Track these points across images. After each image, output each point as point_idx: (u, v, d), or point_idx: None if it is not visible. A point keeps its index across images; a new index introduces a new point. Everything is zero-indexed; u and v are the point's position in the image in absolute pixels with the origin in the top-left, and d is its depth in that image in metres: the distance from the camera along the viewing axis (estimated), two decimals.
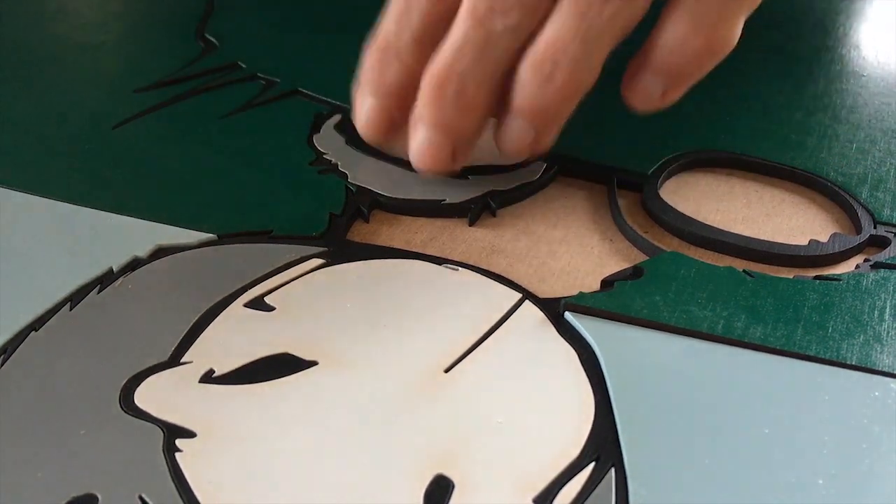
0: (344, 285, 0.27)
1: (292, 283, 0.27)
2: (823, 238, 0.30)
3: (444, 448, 0.22)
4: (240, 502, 0.20)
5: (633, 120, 0.37)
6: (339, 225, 0.29)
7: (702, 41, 0.28)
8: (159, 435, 0.22)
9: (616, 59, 0.42)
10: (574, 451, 0.22)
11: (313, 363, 0.24)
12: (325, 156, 0.33)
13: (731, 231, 0.30)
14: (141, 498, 0.20)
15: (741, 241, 0.29)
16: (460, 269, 0.28)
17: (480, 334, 0.25)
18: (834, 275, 0.28)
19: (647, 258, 0.29)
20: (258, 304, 0.26)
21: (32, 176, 0.31)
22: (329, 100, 0.36)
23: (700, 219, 0.30)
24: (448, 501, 0.21)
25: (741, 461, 0.22)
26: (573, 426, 0.22)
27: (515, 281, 0.27)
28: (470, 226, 0.30)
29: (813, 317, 0.26)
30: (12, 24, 0.43)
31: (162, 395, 0.23)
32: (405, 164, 0.33)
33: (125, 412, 0.22)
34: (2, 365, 0.23)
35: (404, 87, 0.28)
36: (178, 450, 0.21)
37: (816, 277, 0.28)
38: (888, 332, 0.25)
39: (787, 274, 0.28)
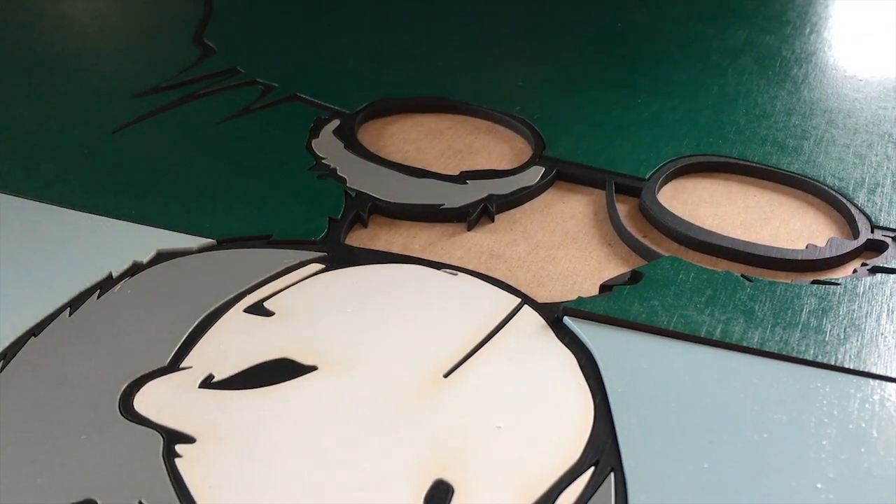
0: (343, 290, 0.27)
1: (291, 287, 0.27)
2: (821, 242, 0.30)
3: (443, 452, 0.22)
4: None
5: (630, 125, 0.37)
6: (338, 230, 0.29)
7: None
8: (159, 440, 0.22)
9: (614, 65, 0.42)
10: (573, 456, 0.22)
11: (312, 368, 0.24)
12: (323, 161, 0.33)
13: (729, 235, 0.30)
14: (141, 503, 0.20)
15: (739, 246, 0.29)
16: (459, 273, 0.28)
17: (479, 339, 0.25)
18: (831, 279, 0.28)
19: (646, 263, 0.29)
20: (257, 309, 0.26)
21: (32, 181, 0.31)
22: (328, 105, 0.37)
23: (698, 223, 0.30)
24: None
25: (739, 465, 0.22)
26: (572, 431, 0.23)
27: (514, 286, 0.27)
28: (469, 230, 0.30)
29: (811, 321, 0.26)
30: (12, 31, 0.43)
31: (161, 400, 0.23)
32: (404, 168, 0.33)
33: (125, 417, 0.22)
34: (1, 370, 0.23)
35: None
36: (178, 455, 0.21)
37: (814, 281, 0.28)
38: (886, 336, 0.25)
39: (785, 278, 0.28)
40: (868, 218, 0.31)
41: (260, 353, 0.24)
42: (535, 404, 0.23)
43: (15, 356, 0.24)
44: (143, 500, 0.20)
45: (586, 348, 0.25)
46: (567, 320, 0.26)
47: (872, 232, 0.30)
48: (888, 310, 0.27)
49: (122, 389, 0.23)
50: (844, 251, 0.29)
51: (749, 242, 0.30)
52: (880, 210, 0.31)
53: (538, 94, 0.39)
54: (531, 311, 0.26)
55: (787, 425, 0.23)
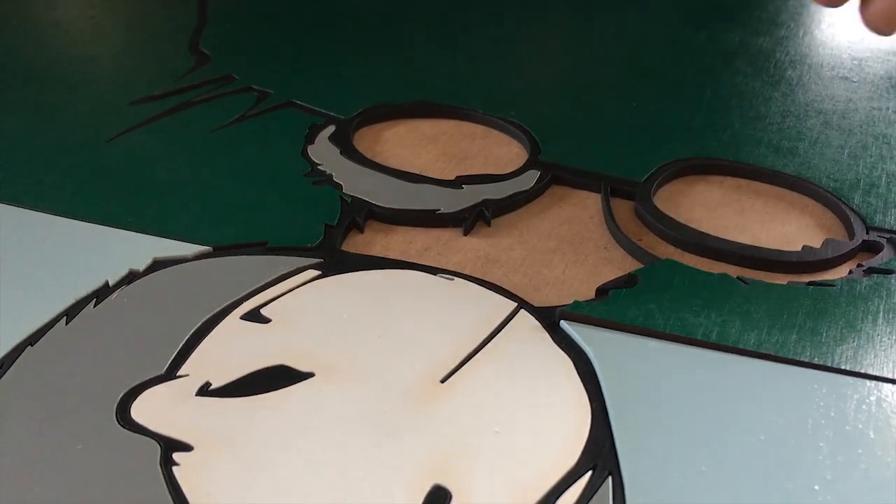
0: (339, 296, 0.27)
1: (288, 294, 0.27)
2: (817, 244, 0.30)
3: (441, 458, 0.22)
4: None
5: (625, 128, 0.37)
6: (334, 235, 0.29)
7: None
8: (156, 448, 0.22)
9: (608, 68, 0.42)
10: (571, 460, 0.22)
11: (309, 374, 0.24)
12: (319, 167, 0.33)
13: (725, 238, 0.30)
14: None
15: (735, 248, 0.29)
16: (455, 278, 0.28)
17: (476, 344, 0.25)
18: (827, 280, 0.28)
19: (642, 266, 0.29)
20: (254, 316, 0.26)
21: (27, 190, 0.31)
22: (323, 111, 0.37)
23: (693, 226, 0.31)
24: None
25: (737, 468, 0.22)
26: (570, 434, 0.23)
27: (511, 290, 0.28)
28: (465, 235, 0.30)
29: (807, 323, 0.26)
30: (7, 39, 0.43)
31: (158, 408, 0.23)
32: (400, 174, 0.33)
33: (122, 426, 0.22)
34: None
35: None
36: (175, 463, 0.21)
37: (810, 283, 0.28)
38: (882, 337, 0.26)
39: (781, 280, 0.28)
40: (863, 219, 0.31)
41: (257, 360, 0.24)
42: (532, 408, 0.23)
43: (11, 366, 0.24)
44: None
45: (583, 352, 0.25)
46: (564, 324, 0.26)
47: (868, 233, 0.30)
48: (884, 311, 0.27)
49: (119, 398, 0.23)
50: (840, 252, 0.29)
51: (745, 245, 0.30)
52: (876, 211, 0.32)
53: (533, 98, 0.39)
54: (528, 315, 0.26)
55: (784, 427, 0.23)
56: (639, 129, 0.37)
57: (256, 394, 0.23)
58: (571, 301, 0.27)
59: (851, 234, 0.31)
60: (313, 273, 0.28)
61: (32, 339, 0.25)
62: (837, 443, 0.22)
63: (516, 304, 0.27)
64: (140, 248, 0.28)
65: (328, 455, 0.22)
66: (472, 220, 0.31)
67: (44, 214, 0.30)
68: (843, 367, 0.24)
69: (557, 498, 0.21)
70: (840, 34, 0.46)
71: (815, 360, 0.25)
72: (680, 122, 0.37)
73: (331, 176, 0.32)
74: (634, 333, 0.26)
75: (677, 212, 0.31)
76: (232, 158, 0.33)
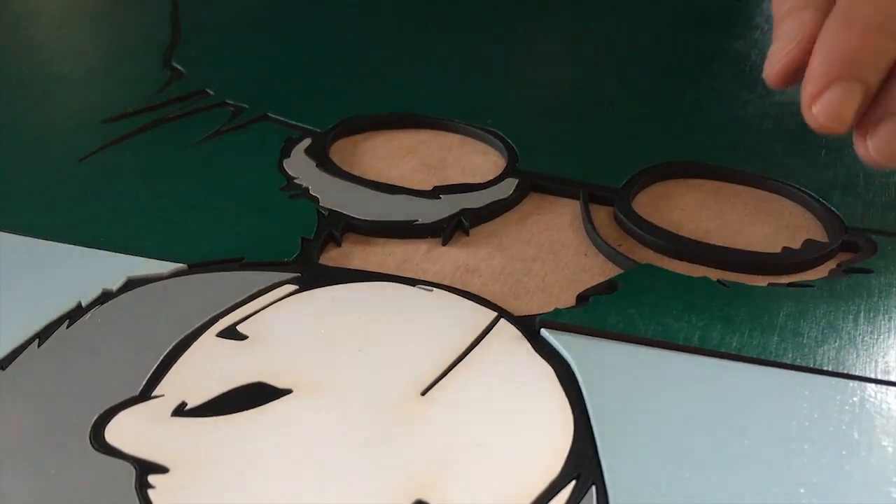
0: (317, 311, 0.26)
1: (265, 310, 0.26)
2: (796, 245, 0.30)
3: (422, 473, 0.21)
4: None
5: (603, 134, 0.37)
6: (311, 249, 0.29)
7: None
8: (131, 471, 0.21)
9: (585, 74, 0.42)
10: (554, 470, 0.22)
11: (287, 391, 0.24)
12: (295, 180, 0.33)
13: (705, 241, 0.30)
14: None
15: (715, 251, 0.29)
16: (434, 289, 0.28)
17: (456, 355, 0.25)
18: (808, 281, 0.28)
19: (622, 272, 0.29)
20: (230, 333, 0.25)
21: None
22: (298, 124, 0.36)
23: (673, 230, 0.30)
24: None
25: (721, 473, 0.21)
26: (553, 444, 0.22)
27: (490, 299, 0.27)
28: (443, 245, 0.30)
29: (788, 324, 0.26)
30: None
31: (133, 430, 0.22)
32: (377, 185, 0.33)
33: (96, 450, 0.22)
34: None
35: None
36: (151, 486, 0.21)
37: (790, 285, 0.28)
38: (863, 337, 0.25)
39: (762, 282, 0.28)
40: (841, 219, 0.31)
41: (234, 378, 0.24)
42: (514, 419, 0.23)
43: None
44: None
45: (564, 360, 0.25)
46: (544, 332, 0.26)
47: (847, 232, 0.30)
48: (865, 310, 0.27)
49: (93, 421, 0.23)
50: (820, 253, 0.29)
51: (724, 247, 0.30)
52: (854, 211, 0.32)
53: (510, 107, 0.39)
54: (508, 324, 0.26)
55: (768, 430, 0.23)
56: (616, 135, 0.37)
57: (233, 412, 0.23)
58: (552, 309, 0.27)
59: (831, 235, 0.31)
60: (290, 288, 0.27)
61: (3, 363, 0.24)
62: (822, 445, 0.22)
63: (496, 314, 0.27)
64: (113, 268, 0.28)
65: (308, 472, 0.21)
66: (450, 230, 0.30)
67: (14, 236, 0.29)
68: (825, 369, 0.24)
69: None
70: None
71: (798, 362, 0.25)
72: (658, 126, 0.37)
73: (307, 189, 0.32)
74: (615, 339, 0.25)
75: (656, 216, 0.31)
76: (207, 174, 0.33)
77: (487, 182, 0.33)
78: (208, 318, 0.26)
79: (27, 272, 0.28)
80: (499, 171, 0.34)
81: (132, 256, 0.28)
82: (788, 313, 0.26)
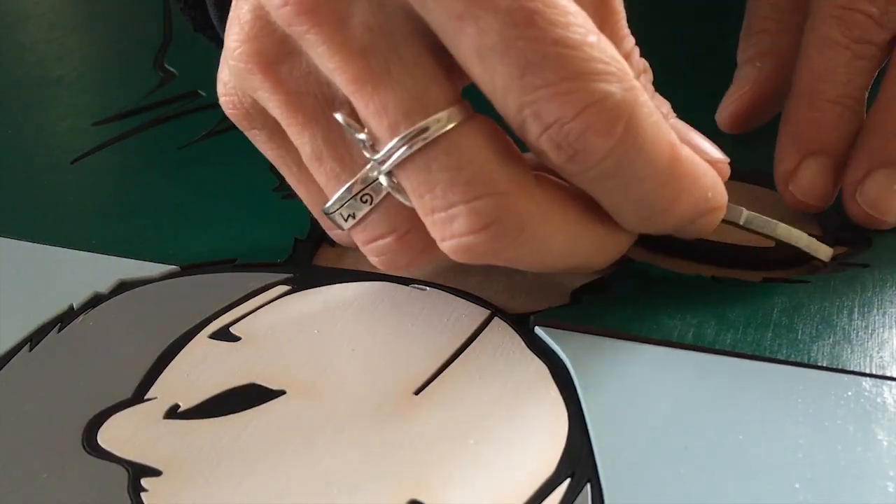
0: (310, 311, 0.26)
1: (258, 311, 0.26)
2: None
3: (417, 472, 0.21)
4: None
5: None
6: (304, 250, 0.29)
7: None
8: (124, 474, 0.21)
9: None
10: (549, 469, 0.22)
11: (281, 392, 0.23)
12: None
13: (698, 238, 0.30)
14: None
15: (708, 248, 0.29)
16: (428, 288, 0.27)
17: (450, 354, 0.25)
18: (801, 277, 0.28)
19: (615, 269, 0.28)
20: (223, 334, 0.25)
21: None
22: None
23: None
24: None
25: (717, 469, 0.21)
26: (547, 443, 0.22)
27: (484, 298, 0.27)
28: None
29: (782, 320, 0.26)
30: None
31: (126, 433, 0.22)
32: None
33: (88, 453, 0.22)
34: None
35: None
36: (144, 489, 0.21)
37: (784, 280, 0.28)
38: (857, 332, 0.25)
39: (756, 278, 0.28)
40: (837, 213, 0.31)
41: (226, 380, 0.24)
42: (508, 417, 0.23)
43: None
44: None
45: (559, 358, 0.25)
46: (538, 330, 0.26)
47: (841, 227, 0.30)
48: (859, 305, 0.26)
49: (86, 424, 0.22)
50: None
51: (718, 243, 0.29)
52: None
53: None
54: (502, 322, 0.26)
55: (763, 426, 0.22)
56: None
57: (226, 414, 0.23)
58: (546, 307, 0.26)
59: (825, 229, 0.30)
60: (283, 288, 0.27)
61: None
62: (817, 440, 0.22)
63: (490, 312, 0.27)
64: (105, 270, 0.28)
65: (301, 473, 0.21)
66: None
67: (5, 239, 0.29)
68: (819, 364, 0.24)
69: None
70: None
71: (792, 358, 0.24)
72: None
73: None
74: (610, 337, 0.25)
75: None
76: (199, 175, 0.33)
77: None
78: (201, 319, 0.26)
79: (18, 275, 0.28)
80: None
81: (124, 259, 0.28)
82: (783, 309, 0.26)
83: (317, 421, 0.23)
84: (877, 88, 0.29)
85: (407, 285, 0.28)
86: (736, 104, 0.33)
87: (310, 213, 0.30)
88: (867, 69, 0.29)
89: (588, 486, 0.21)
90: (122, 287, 0.27)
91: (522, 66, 0.20)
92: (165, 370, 0.24)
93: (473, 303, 0.27)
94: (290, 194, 0.32)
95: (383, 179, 0.22)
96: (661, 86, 0.41)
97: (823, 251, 0.28)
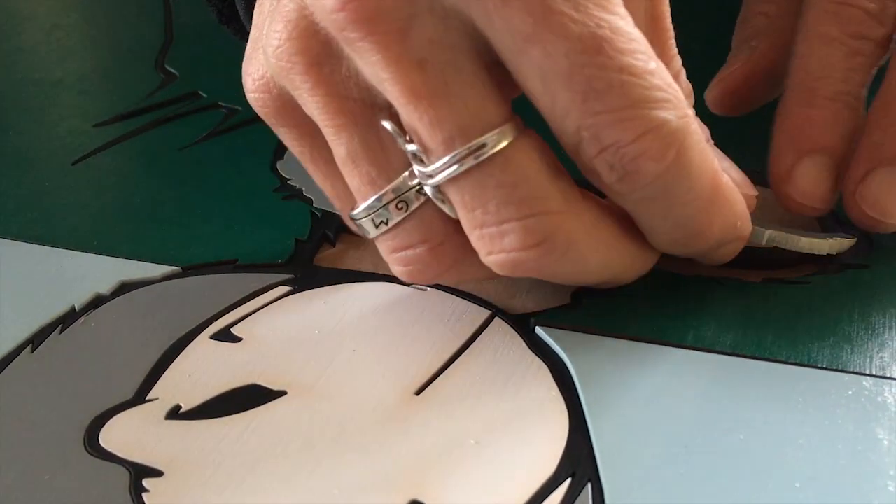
0: (311, 312, 0.26)
1: (259, 312, 0.26)
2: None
3: (417, 473, 0.21)
4: None
5: None
6: (305, 251, 0.29)
7: None
8: (125, 475, 0.21)
9: None
10: (549, 469, 0.22)
11: (282, 393, 0.24)
12: (289, 181, 0.33)
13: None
14: None
15: None
16: (428, 289, 0.28)
17: (451, 354, 0.25)
18: (802, 277, 0.28)
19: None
20: (225, 335, 0.25)
21: None
22: None
23: None
24: None
25: (717, 469, 0.21)
26: (548, 443, 0.22)
27: (485, 298, 0.27)
28: None
29: (783, 321, 0.26)
30: None
31: (127, 434, 0.22)
32: None
33: (90, 454, 0.22)
34: None
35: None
36: (145, 490, 0.21)
37: (785, 281, 0.28)
38: (857, 332, 0.25)
39: (756, 279, 0.28)
40: (836, 215, 0.31)
41: (228, 381, 0.24)
42: (509, 417, 0.23)
43: None
44: None
45: (559, 358, 0.25)
46: (539, 331, 0.26)
47: (841, 228, 0.30)
48: (859, 305, 0.26)
49: (87, 425, 0.22)
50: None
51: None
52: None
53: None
54: (503, 322, 0.26)
55: (763, 426, 0.23)
56: None
57: (228, 415, 0.23)
58: (546, 307, 0.27)
59: (824, 229, 0.30)
60: (284, 289, 0.27)
61: None
62: (817, 439, 0.22)
63: (491, 313, 0.27)
64: (107, 272, 0.28)
65: (302, 474, 0.21)
66: None
67: (6, 241, 0.29)
68: (819, 364, 0.24)
69: None
70: None
71: (792, 359, 0.25)
72: None
73: (301, 190, 0.32)
74: (610, 338, 0.25)
75: None
76: (200, 176, 0.33)
77: None
78: (202, 320, 0.26)
79: (20, 276, 0.28)
80: None
81: (125, 260, 0.28)
82: (783, 310, 0.26)
83: (318, 421, 0.23)
84: (876, 86, 0.29)
85: (408, 286, 0.28)
86: (726, 81, 0.32)
87: (310, 213, 0.31)
88: (865, 65, 0.28)
89: (588, 486, 0.21)
90: (124, 288, 0.27)
91: (586, 91, 0.20)
92: (167, 371, 0.24)
93: (474, 303, 0.27)
94: (291, 195, 0.32)
95: (429, 191, 0.22)
96: None
97: (847, 244, 0.28)
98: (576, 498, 0.21)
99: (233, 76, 0.41)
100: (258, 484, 0.21)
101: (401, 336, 0.26)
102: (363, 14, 0.20)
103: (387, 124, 0.22)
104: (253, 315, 0.26)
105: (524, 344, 0.25)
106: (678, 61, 0.25)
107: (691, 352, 0.25)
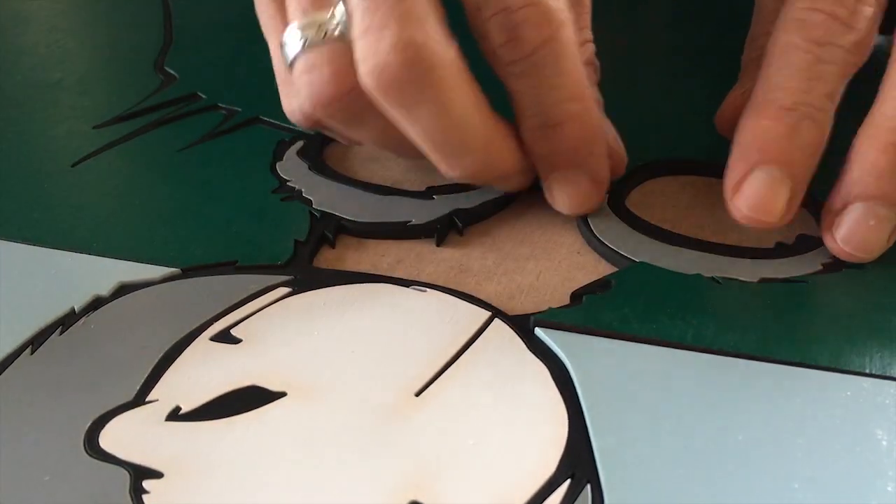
0: (311, 313, 0.26)
1: (258, 313, 0.26)
2: (789, 240, 0.30)
3: (417, 474, 0.21)
4: None
5: None
6: (304, 252, 0.29)
7: None
8: (125, 477, 0.21)
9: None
10: (549, 470, 0.22)
11: (282, 394, 0.24)
12: (288, 183, 0.33)
13: (698, 238, 0.30)
14: None
15: (708, 248, 0.29)
16: (428, 290, 0.28)
17: (450, 355, 0.25)
18: (801, 276, 0.28)
19: (616, 270, 0.29)
20: (224, 336, 0.25)
21: None
22: (291, 126, 0.36)
23: (667, 227, 0.30)
24: None
25: (716, 469, 0.21)
26: (547, 444, 0.22)
27: (484, 299, 0.27)
28: (437, 246, 0.30)
29: (782, 320, 0.26)
30: None
31: (127, 435, 0.22)
32: (370, 186, 0.33)
33: (90, 455, 0.22)
34: None
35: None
36: (146, 491, 0.21)
37: (783, 280, 0.28)
38: (856, 331, 0.25)
39: (755, 278, 0.28)
40: None
41: (228, 382, 0.24)
42: (509, 418, 0.23)
43: None
44: None
45: (559, 358, 0.25)
46: (538, 331, 0.26)
47: None
48: (857, 304, 0.27)
49: (87, 427, 0.22)
50: (813, 248, 0.29)
51: (718, 244, 0.30)
52: None
53: (503, 104, 0.39)
54: (502, 323, 0.26)
55: (762, 426, 0.23)
56: None
57: (228, 416, 0.23)
58: (546, 308, 0.27)
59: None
60: (284, 290, 0.27)
61: None
62: (816, 439, 0.22)
63: (490, 314, 0.27)
64: (106, 273, 0.28)
65: (302, 475, 0.21)
66: (443, 230, 0.30)
67: (6, 242, 0.29)
68: (819, 364, 0.24)
69: None
70: None
71: (791, 358, 0.25)
72: (651, 123, 0.37)
73: (300, 191, 0.32)
74: (610, 338, 0.25)
75: (650, 213, 0.31)
76: (199, 178, 0.33)
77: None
78: (202, 322, 0.26)
79: (19, 278, 0.28)
80: None
81: (124, 261, 0.28)
82: (783, 310, 0.26)
83: (317, 422, 0.23)
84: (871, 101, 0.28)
85: (407, 286, 0.28)
86: (729, 109, 0.32)
87: (309, 215, 0.31)
88: (832, 74, 0.26)
89: (588, 486, 0.21)
90: (123, 289, 0.27)
91: None
92: (167, 372, 0.24)
93: (473, 304, 0.27)
94: (290, 196, 0.32)
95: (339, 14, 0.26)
96: (660, 86, 0.41)
97: None
98: (575, 499, 0.21)
99: (232, 77, 0.41)
100: (258, 485, 0.21)
101: (400, 337, 0.26)
102: None
103: None
104: (252, 316, 0.26)
105: (524, 345, 0.25)
106: (588, 33, 0.32)
107: (691, 352, 0.25)
